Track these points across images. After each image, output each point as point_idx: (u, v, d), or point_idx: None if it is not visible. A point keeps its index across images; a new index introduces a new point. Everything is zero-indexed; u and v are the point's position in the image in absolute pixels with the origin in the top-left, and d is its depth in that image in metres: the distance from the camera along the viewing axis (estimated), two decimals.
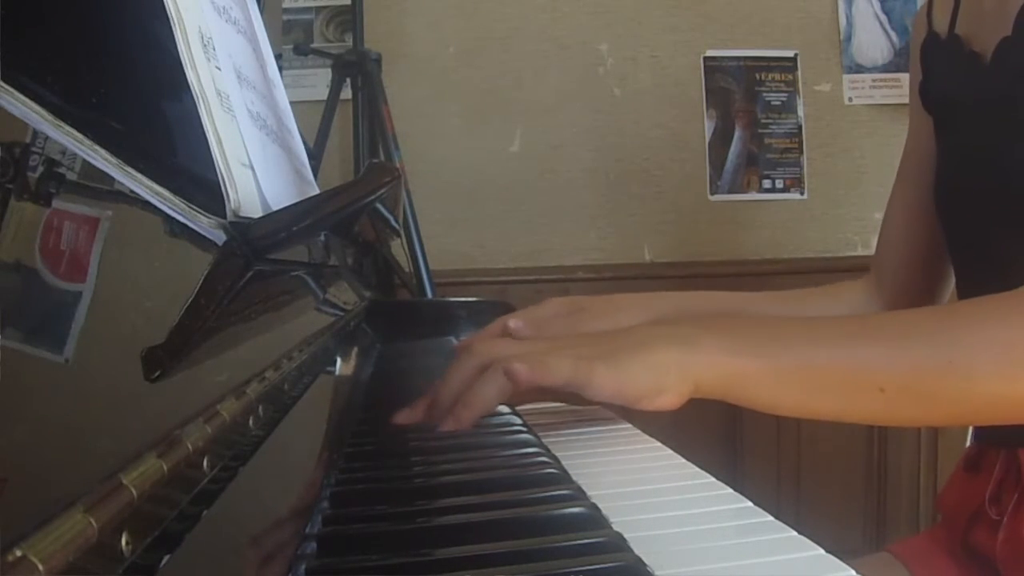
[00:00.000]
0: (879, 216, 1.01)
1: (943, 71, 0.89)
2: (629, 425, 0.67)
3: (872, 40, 2.11)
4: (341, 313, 0.82)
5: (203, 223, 0.44)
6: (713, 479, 0.52)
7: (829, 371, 0.58)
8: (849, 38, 2.11)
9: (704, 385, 0.58)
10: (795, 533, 0.41)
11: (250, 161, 0.54)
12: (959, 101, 0.86)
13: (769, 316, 0.90)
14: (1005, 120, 0.79)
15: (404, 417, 0.62)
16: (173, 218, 0.42)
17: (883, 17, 2.12)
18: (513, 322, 0.78)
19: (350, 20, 1.81)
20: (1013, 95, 0.78)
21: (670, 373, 0.57)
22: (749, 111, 2.10)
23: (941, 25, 0.90)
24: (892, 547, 0.92)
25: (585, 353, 0.58)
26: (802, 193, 2.10)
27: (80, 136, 0.35)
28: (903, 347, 0.57)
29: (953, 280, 0.97)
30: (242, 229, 0.46)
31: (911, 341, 0.57)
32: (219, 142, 0.49)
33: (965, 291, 0.89)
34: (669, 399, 0.57)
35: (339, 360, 0.74)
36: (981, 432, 0.89)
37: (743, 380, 0.57)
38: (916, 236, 0.96)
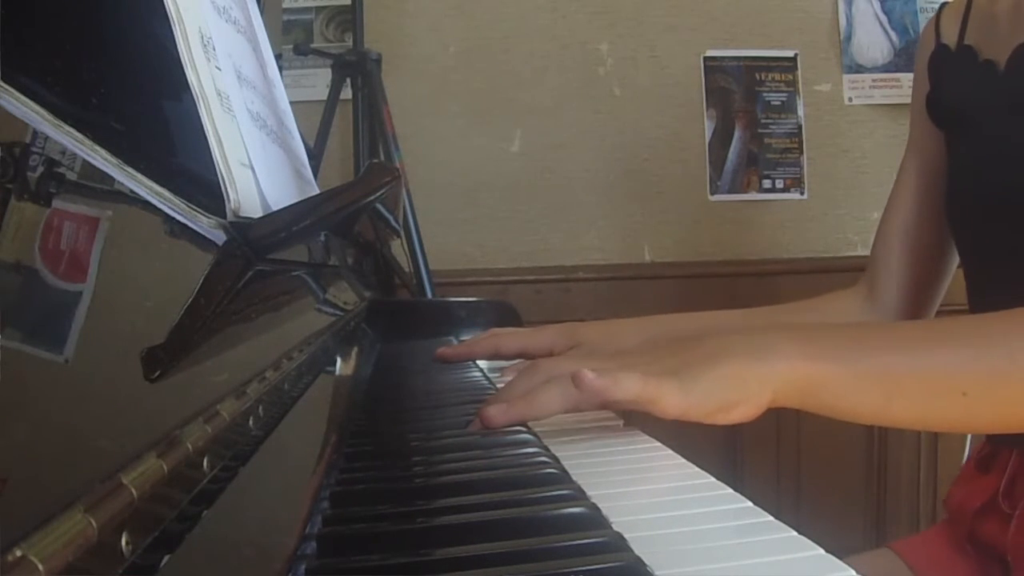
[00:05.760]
0: (879, 216, 1.01)
1: (955, 82, 0.89)
2: (630, 425, 0.67)
3: (872, 40, 2.11)
4: (341, 313, 0.82)
5: (203, 223, 0.44)
6: (713, 479, 0.51)
7: (910, 375, 0.57)
8: (849, 38, 2.11)
9: (782, 393, 0.57)
10: (795, 533, 0.41)
11: (250, 161, 0.54)
12: (973, 110, 0.85)
13: (845, 323, 0.89)
14: (1023, 127, 0.79)
15: (476, 428, 0.60)
16: (173, 218, 0.42)
17: (883, 17, 2.11)
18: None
19: (350, 20, 1.81)
20: None
21: (747, 385, 0.56)
22: (749, 111, 2.10)
23: (950, 37, 0.90)
24: (893, 544, 0.92)
25: (655, 369, 0.57)
26: (802, 193, 2.10)
27: (80, 136, 0.35)
28: (986, 350, 0.57)
29: (946, 285, 0.97)
30: (242, 229, 0.46)
31: (994, 344, 0.57)
32: (219, 142, 0.49)
33: (978, 300, 0.89)
34: (745, 411, 0.57)
35: (339, 360, 0.74)
36: (995, 434, 0.89)
37: (822, 386, 0.56)
38: (917, 242, 0.96)
